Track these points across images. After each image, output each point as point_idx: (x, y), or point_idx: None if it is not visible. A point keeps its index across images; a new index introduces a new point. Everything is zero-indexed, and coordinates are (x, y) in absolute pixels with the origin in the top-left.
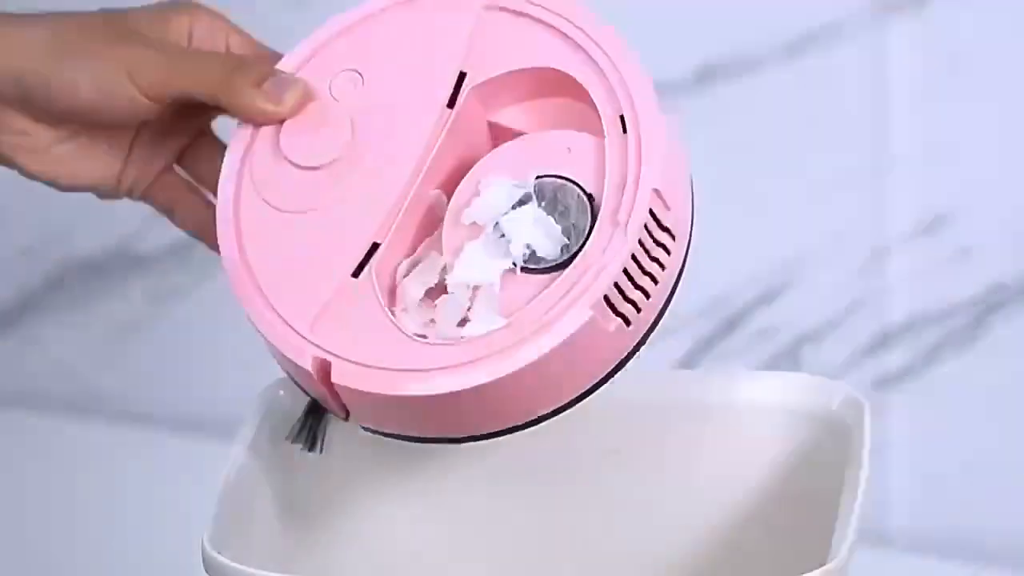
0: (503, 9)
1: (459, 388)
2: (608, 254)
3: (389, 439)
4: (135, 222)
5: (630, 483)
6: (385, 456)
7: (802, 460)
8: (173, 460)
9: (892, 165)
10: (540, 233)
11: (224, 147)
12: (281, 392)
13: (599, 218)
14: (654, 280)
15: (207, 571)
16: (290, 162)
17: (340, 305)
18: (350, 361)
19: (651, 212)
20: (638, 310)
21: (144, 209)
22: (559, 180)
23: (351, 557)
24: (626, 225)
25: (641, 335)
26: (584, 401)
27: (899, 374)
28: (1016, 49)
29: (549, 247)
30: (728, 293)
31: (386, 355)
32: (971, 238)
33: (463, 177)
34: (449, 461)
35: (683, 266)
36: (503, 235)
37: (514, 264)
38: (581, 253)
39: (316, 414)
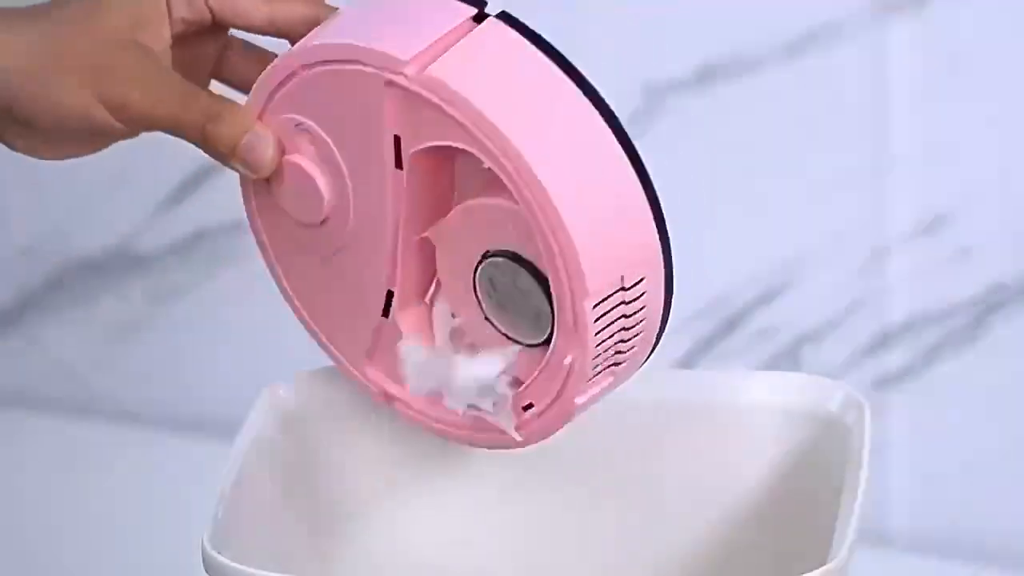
0: (401, 88)
1: (474, 445)
2: (575, 351)
3: None
4: (135, 222)
5: (630, 483)
6: (386, 456)
7: (802, 460)
8: (173, 460)
9: (892, 165)
10: (496, 358)
11: (253, 50)
12: (281, 392)
13: (555, 318)
14: (635, 326)
15: (207, 571)
16: (290, 217)
17: (381, 346)
18: (402, 400)
19: (603, 300)
20: (626, 352)
21: (144, 209)
22: (513, 263)
23: (351, 557)
24: (579, 330)
25: (646, 355)
26: None
27: (899, 374)
28: (1016, 49)
29: (516, 349)
30: (728, 293)
31: (425, 403)
32: (971, 238)
33: (448, 200)
34: (450, 462)
35: (670, 277)
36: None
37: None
38: (551, 348)
39: None
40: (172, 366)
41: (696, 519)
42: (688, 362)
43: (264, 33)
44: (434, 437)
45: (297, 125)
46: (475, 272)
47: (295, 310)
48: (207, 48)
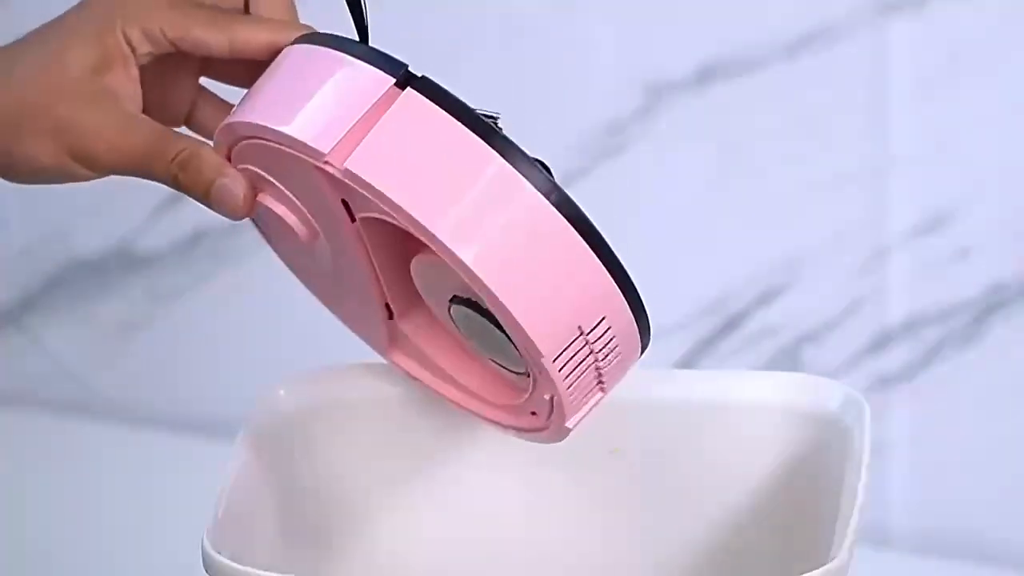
0: (325, 174)
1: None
2: (551, 391)
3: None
4: (135, 222)
5: (630, 483)
6: (384, 456)
7: (802, 460)
8: (173, 460)
9: (892, 165)
10: None
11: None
12: (281, 392)
13: (526, 363)
14: (609, 355)
15: (207, 571)
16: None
17: (396, 342)
18: (419, 380)
19: (561, 353)
20: (609, 371)
21: (144, 209)
22: (477, 314)
23: (350, 557)
24: (547, 378)
25: (630, 366)
26: None
27: (899, 374)
28: (1016, 49)
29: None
30: (728, 293)
31: (450, 388)
32: (971, 238)
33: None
34: (448, 463)
35: (636, 300)
36: None
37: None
38: (531, 384)
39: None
40: (172, 366)
41: (696, 519)
42: (688, 362)
43: (227, 59)
44: (432, 437)
45: (258, 175)
46: (449, 311)
47: (324, 304)
48: (179, 82)
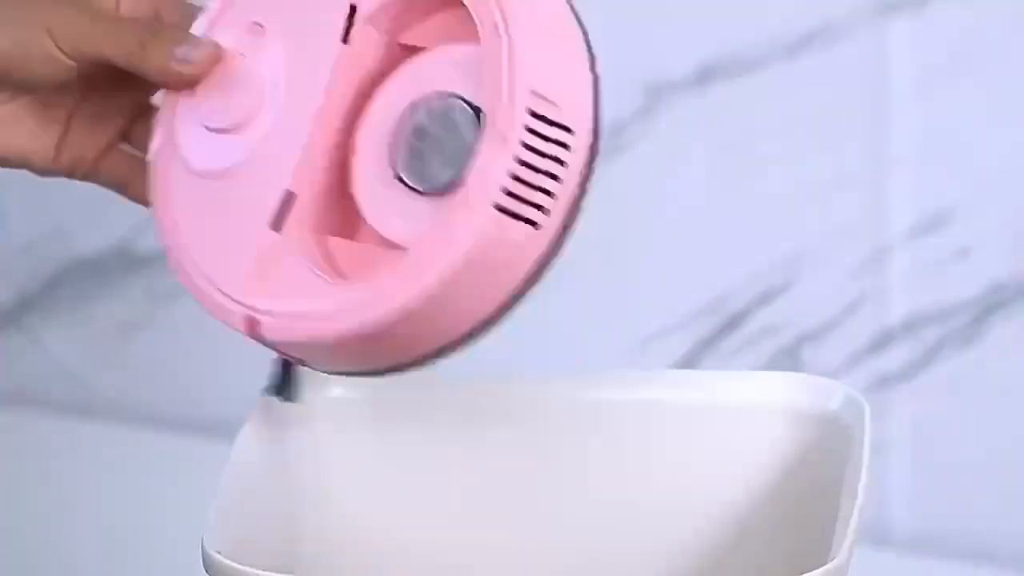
0: None
1: (369, 329)
2: (494, 163)
3: (354, 378)
4: (135, 222)
5: (630, 483)
6: (385, 456)
7: (802, 460)
8: (173, 460)
9: (892, 165)
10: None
11: None
12: None
13: (485, 131)
14: (555, 177)
15: (207, 571)
16: (207, 128)
17: (267, 263)
18: (277, 316)
19: (534, 113)
20: (543, 210)
21: (144, 209)
22: (446, 98)
23: (351, 557)
24: (506, 131)
25: (552, 237)
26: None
27: (899, 374)
28: (1016, 49)
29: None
30: (728, 293)
31: (307, 304)
32: (971, 238)
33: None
34: (450, 462)
35: (593, 158)
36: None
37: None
38: (471, 167)
39: (287, 367)
40: (172, 366)
41: (696, 519)
42: (688, 362)
43: None
44: (433, 437)
45: (248, 24)
46: (398, 127)
47: (168, 241)
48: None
